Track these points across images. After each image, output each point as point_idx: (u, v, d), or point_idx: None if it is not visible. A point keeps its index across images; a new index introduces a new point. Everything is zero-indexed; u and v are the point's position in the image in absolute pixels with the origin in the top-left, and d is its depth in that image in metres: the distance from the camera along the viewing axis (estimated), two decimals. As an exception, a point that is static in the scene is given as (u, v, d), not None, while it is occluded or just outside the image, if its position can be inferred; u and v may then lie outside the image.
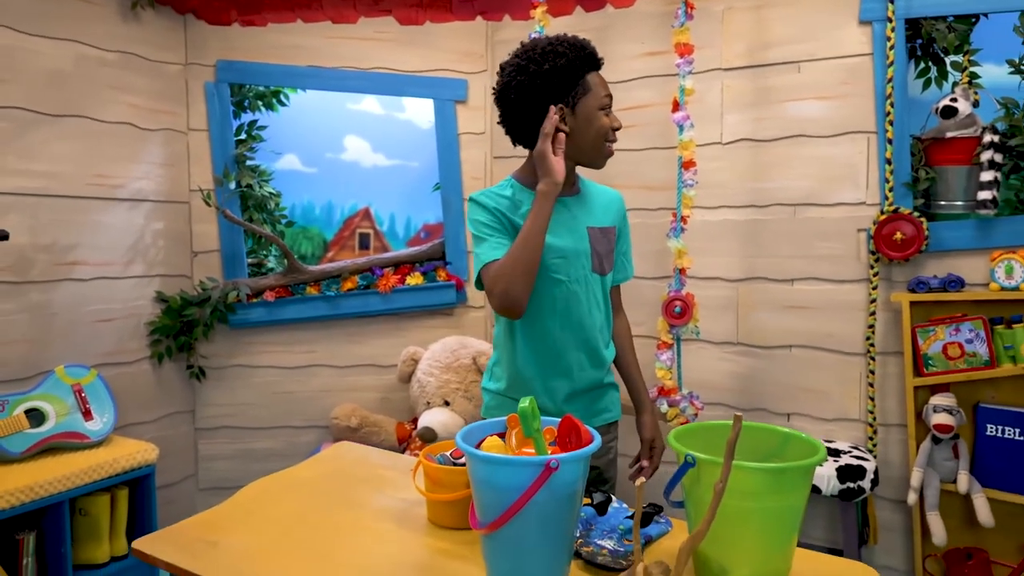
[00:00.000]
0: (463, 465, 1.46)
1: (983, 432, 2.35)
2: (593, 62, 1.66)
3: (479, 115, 3.34)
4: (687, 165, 2.55)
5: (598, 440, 1.24)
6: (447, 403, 2.99)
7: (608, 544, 1.30)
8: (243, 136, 3.26)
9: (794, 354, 2.71)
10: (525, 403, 1.23)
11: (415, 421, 3.24)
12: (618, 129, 1.69)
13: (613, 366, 1.82)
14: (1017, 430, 2.29)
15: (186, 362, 3.18)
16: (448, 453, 1.51)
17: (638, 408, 1.81)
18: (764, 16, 2.69)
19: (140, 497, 2.74)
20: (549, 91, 1.61)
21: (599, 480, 1.76)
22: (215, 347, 3.22)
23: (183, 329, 3.09)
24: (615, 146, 1.73)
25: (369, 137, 3.59)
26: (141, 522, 2.74)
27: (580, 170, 1.79)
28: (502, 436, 1.33)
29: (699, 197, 2.71)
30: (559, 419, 1.31)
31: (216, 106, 3.16)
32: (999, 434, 2.32)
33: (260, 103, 3.30)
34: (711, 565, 1.19)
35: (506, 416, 1.68)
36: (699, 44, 2.64)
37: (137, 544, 1.39)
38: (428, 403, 3.01)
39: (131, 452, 2.64)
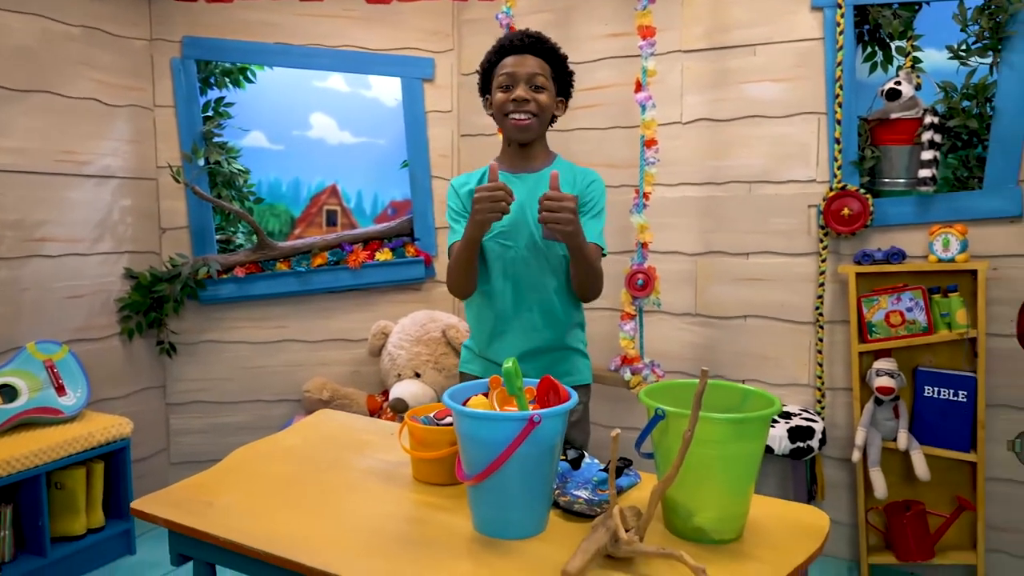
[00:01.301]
0: (446, 425, 1.55)
1: (921, 393, 2.53)
2: (508, 49, 1.80)
3: (446, 93, 3.40)
4: (649, 144, 2.66)
5: (575, 397, 1.35)
6: (418, 375, 3.08)
7: (583, 494, 1.42)
8: (210, 113, 3.27)
9: (748, 324, 2.86)
10: (508, 363, 1.33)
11: (385, 393, 3.32)
12: (519, 101, 1.76)
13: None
14: (951, 391, 2.47)
15: (156, 338, 3.20)
16: (432, 415, 1.61)
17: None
18: (722, 1, 2.80)
19: (115, 470, 2.78)
20: (482, 86, 1.88)
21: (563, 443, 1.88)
22: (185, 323, 3.24)
23: (153, 305, 3.11)
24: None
25: (335, 114, 3.61)
26: (117, 495, 2.79)
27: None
28: (485, 396, 1.42)
29: (660, 174, 2.82)
30: (537, 379, 1.42)
31: (183, 82, 3.16)
32: (936, 395, 2.50)
33: (227, 80, 3.31)
34: (678, 508, 1.31)
35: (478, 372, 1.90)
36: (660, 27, 2.73)
37: (136, 504, 1.45)
38: (399, 375, 3.10)
39: (106, 426, 2.68)
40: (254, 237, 3.38)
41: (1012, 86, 2.41)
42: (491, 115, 1.88)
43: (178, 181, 3.06)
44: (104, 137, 2.98)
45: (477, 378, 1.89)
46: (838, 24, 2.58)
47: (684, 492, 1.29)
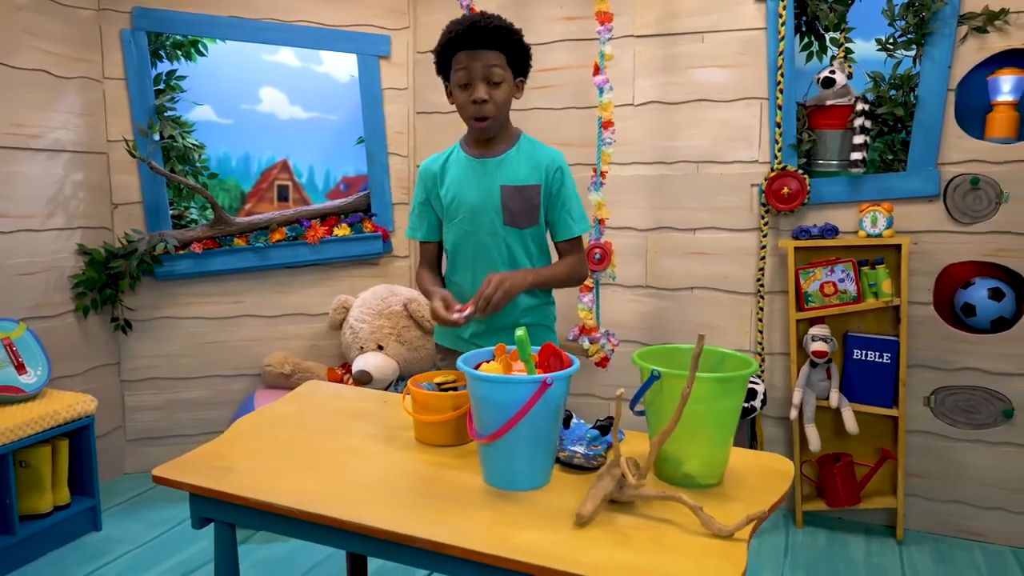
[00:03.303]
0: (447, 391, 1.67)
1: (851, 356, 2.79)
2: (461, 41, 1.78)
3: (402, 71, 3.45)
4: (606, 125, 2.80)
5: (577, 363, 1.48)
6: (380, 347, 3.16)
7: (580, 449, 1.56)
8: (161, 86, 3.22)
9: (695, 295, 3.06)
10: (520, 332, 1.45)
11: (344, 366, 3.39)
12: (478, 102, 1.80)
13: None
14: (877, 353, 2.74)
15: (111, 315, 3.16)
16: (434, 381, 1.71)
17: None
18: (672, -11, 2.97)
19: (79, 447, 2.77)
20: (440, 70, 1.89)
21: None
22: (141, 299, 3.21)
23: (108, 282, 3.07)
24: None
25: (286, 89, 3.61)
26: (82, 471, 2.78)
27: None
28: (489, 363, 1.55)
29: (614, 154, 2.97)
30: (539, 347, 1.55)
31: (133, 55, 3.10)
32: (864, 357, 2.77)
33: (179, 53, 3.26)
34: (669, 458, 1.47)
35: (448, 344, 2.02)
36: (614, 12, 2.86)
37: (158, 471, 1.51)
38: (362, 348, 3.17)
39: (70, 404, 2.67)
40: (207, 212, 3.37)
41: (933, 77, 2.66)
42: (451, 102, 1.91)
43: (134, 156, 3.02)
44: (54, 110, 2.91)
45: (449, 349, 2.01)
46: (780, 16, 2.78)
47: (674, 443, 1.45)
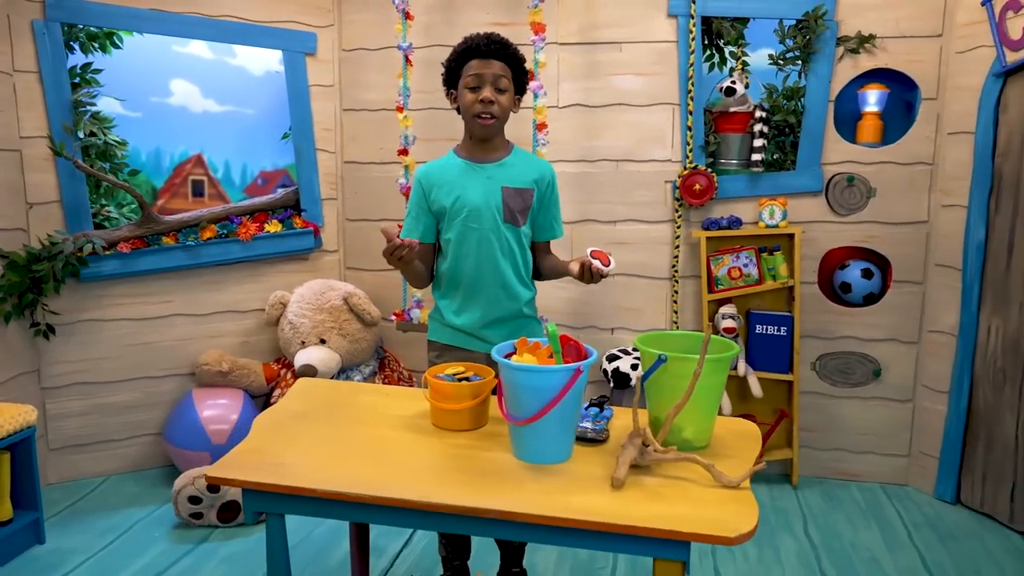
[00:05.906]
0: (462, 381, 1.85)
1: (754, 331, 3.21)
2: (475, 51, 2.03)
3: (328, 68, 3.49)
4: (540, 127, 3.03)
5: (595, 354, 1.72)
6: (323, 341, 3.23)
7: (589, 425, 1.80)
8: (76, 80, 3.09)
9: (616, 281, 3.38)
10: (552, 327, 1.66)
11: (279, 361, 3.43)
12: (485, 102, 2.03)
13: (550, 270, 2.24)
14: (775, 327, 3.18)
15: (30, 320, 3.02)
16: (451, 373, 1.88)
17: (568, 267, 2.12)
18: (593, 2, 3.22)
19: (20, 460, 2.68)
20: (447, 81, 2.12)
21: None
22: (63, 303, 3.09)
23: (31, 286, 2.93)
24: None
25: (198, 81, 3.54)
26: (21, 484, 2.69)
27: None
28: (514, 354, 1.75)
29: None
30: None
31: (47, 47, 2.96)
32: (764, 331, 3.20)
33: (94, 45, 3.13)
34: (670, 426, 1.74)
35: (446, 340, 2.20)
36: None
37: (210, 471, 1.59)
38: (303, 343, 3.23)
39: (11, 416, 2.58)
40: (126, 211, 3.28)
41: (817, 90, 3.11)
42: (455, 109, 2.13)
43: (59, 154, 2.89)
44: (-36, 105, 2.74)
45: (446, 345, 2.19)
46: (690, 31, 3.12)
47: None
